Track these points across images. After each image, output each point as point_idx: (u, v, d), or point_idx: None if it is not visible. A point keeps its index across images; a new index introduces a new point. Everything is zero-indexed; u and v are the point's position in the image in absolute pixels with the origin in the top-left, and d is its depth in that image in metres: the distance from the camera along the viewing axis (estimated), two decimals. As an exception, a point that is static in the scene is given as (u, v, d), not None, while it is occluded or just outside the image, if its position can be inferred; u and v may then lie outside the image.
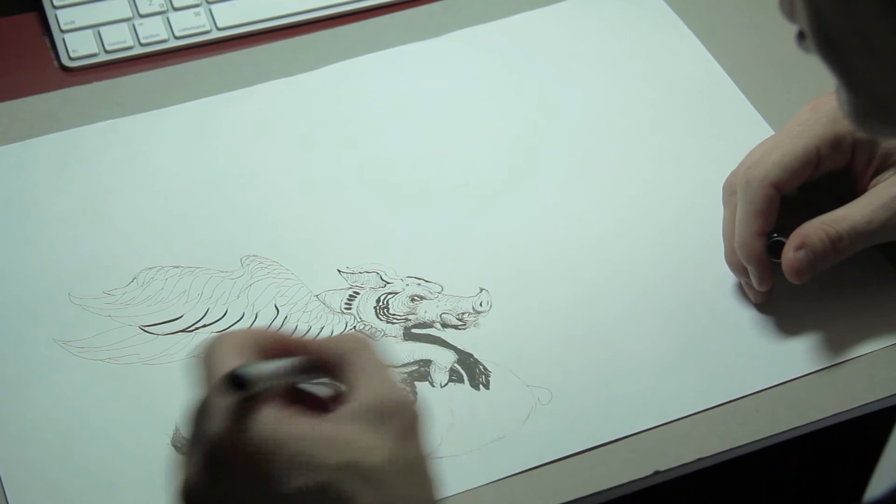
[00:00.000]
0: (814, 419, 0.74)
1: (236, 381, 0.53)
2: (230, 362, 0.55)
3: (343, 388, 0.57)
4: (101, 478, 0.71)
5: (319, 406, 0.58)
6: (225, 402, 0.54)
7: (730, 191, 0.79)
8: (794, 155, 0.77)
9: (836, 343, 0.77)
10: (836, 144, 0.77)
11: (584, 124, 0.89)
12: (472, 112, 0.90)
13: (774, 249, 0.77)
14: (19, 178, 0.85)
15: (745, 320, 0.78)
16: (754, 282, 0.77)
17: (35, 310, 0.78)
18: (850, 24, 0.50)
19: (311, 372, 0.58)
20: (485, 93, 0.91)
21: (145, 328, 0.78)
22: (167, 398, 0.74)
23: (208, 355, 0.57)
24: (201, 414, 0.55)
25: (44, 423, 0.73)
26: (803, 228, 0.76)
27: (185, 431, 0.57)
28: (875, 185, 0.77)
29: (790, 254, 0.76)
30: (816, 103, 0.78)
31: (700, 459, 0.73)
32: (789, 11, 0.54)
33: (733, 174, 0.79)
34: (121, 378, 0.75)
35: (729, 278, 0.80)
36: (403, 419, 0.55)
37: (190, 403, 0.56)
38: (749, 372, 0.76)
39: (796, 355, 0.77)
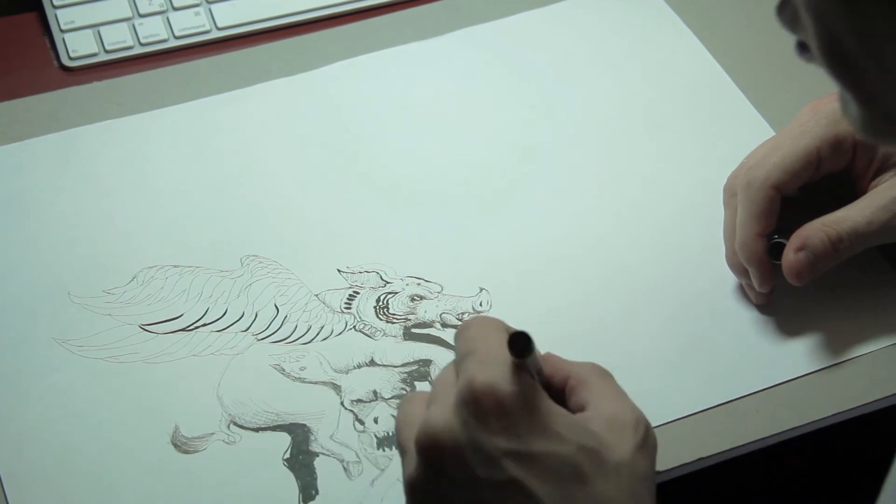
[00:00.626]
0: (814, 419, 0.74)
1: (521, 344, 0.59)
2: (497, 336, 0.61)
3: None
4: (100, 477, 0.71)
5: None
6: (503, 356, 0.59)
7: (730, 192, 0.79)
8: (795, 156, 0.77)
9: (836, 343, 0.77)
10: (836, 145, 0.77)
11: (584, 124, 0.89)
12: (472, 112, 0.90)
13: (775, 251, 0.77)
14: (19, 177, 0.85)
15: (746, 320, 0.78)
16: (755, 283, 0.77)
17: (35, 309, 0.78)
18: (866, 45, 0.49)
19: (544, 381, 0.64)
20: (485, 93, 0.91)
21: (145, 327, 0.78)
22: (167, 397, 0.75)
23: (474, 325, 0.62)
24: (468, 364, 0.59)
25: (43, 422, 0.73)
26: (804, 230, 0.76)
27: (455, 363, 0.61)
28: (875, 187, 0.77)
29: (791, 255, 0.76)
30: (817, 104, 0.78)
31: (700, 459, 0.72)
32: (791, 22, 0.54)
33: (734, 175, 0.79)
34: (121, 377, 0.75)
35: (729, 278, 0.80)
36: (640, 433, 0.60)
37: (464, 347, 0.61)
38: (749, 372, 0.76)
39: (796, 355, 0.77)
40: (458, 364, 0.61)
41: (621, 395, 0.62)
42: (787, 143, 0.77)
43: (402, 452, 0.61)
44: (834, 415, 0.74)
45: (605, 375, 0.63)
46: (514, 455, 0.57)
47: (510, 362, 0.59)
